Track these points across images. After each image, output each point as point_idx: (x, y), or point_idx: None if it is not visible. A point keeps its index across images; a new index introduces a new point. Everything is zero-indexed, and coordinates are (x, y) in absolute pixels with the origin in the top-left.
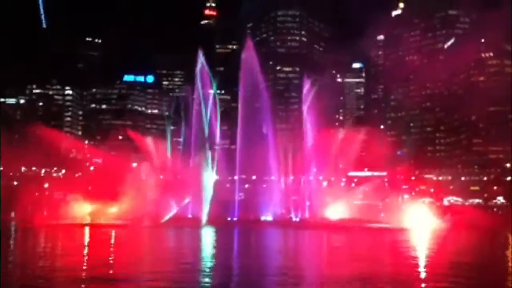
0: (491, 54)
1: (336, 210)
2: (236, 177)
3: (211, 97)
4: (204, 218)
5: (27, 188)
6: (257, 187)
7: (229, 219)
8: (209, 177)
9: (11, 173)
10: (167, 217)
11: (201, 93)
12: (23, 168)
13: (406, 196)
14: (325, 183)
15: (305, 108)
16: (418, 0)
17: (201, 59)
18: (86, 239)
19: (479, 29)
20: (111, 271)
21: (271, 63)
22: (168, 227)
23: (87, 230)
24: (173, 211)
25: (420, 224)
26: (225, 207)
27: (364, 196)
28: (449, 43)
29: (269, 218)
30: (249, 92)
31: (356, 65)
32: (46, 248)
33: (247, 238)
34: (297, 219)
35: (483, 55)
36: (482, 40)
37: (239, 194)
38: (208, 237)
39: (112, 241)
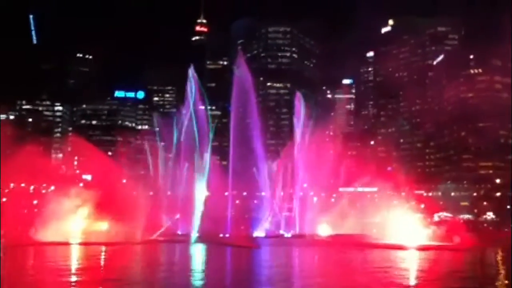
0: (480, 70)
1: (327, 226)
2: (227, 193)
3: (202, 113)
4: (195, 234)
5: (15, 205)
6: (248, 203)
7: (221, 235)
8: (200, 193)
9: None
10: (156, 234)
11: (191, 109)
12: (12, 185)
13: (396, 212)
14: (315, 199)
15: (295, 124)
16: (407, 17)
17: (192, 75)
18: (74, 258)
19: (468, 46)
20: None
21: (262, 79)
22: (159, 244)
23: (76, 248)
24: (162, 228)
25: (412, 239)
26: (216, 223)
27: (355, 212)
28: (439, 59)
29: (261, 234)
30: (241, 108)
31: (346, 81)
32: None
33: (241, 256)
34: (289, 235)
35: (472, 71)
36: (471, 57)
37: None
38: (198, 254)
39: (102, 261)
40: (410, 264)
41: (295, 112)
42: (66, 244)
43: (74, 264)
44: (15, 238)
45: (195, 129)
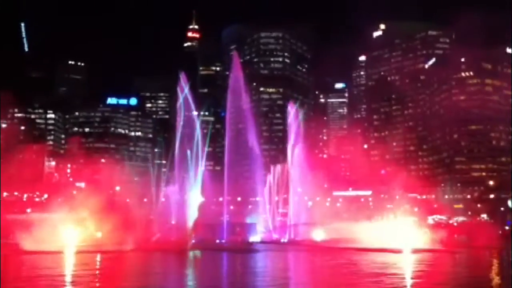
0: (471, 73)
1: (322, 231)
2: (221, 199)
3: (195, 119)
4: (190, 241)
5: (8, 214)
6: (242, 209)
7: (217, 241)
8: (195, 199)
9: None
10: (151, 241)
11: (184, 115)
12: (5, 193)
13: (391, 215)
14: (310, 203)
15: (289, 128)
16: (398, 21)
17: (184, 81)
18: (69, 267)
19: (459, 49)
20: None
21: (254, 84)
22: (154, 251)
23: (70, 256)
24: (157, 235)
25: (408, 243)
26: (212, 229)
27: (350, 216)
28: (430, 63)
29: (257, 239)
30: (234, 113)
31: (339, 86)
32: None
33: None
34: (285, 240)
35: (463, 74)
36: (462, 60)
37: (226, 216)
38: (195, 261)
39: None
40: (403, 267)
41: (288, 117)
42: (60, 252)
43: (69, 274)
44: (5, 247)
45: (188, 135)
